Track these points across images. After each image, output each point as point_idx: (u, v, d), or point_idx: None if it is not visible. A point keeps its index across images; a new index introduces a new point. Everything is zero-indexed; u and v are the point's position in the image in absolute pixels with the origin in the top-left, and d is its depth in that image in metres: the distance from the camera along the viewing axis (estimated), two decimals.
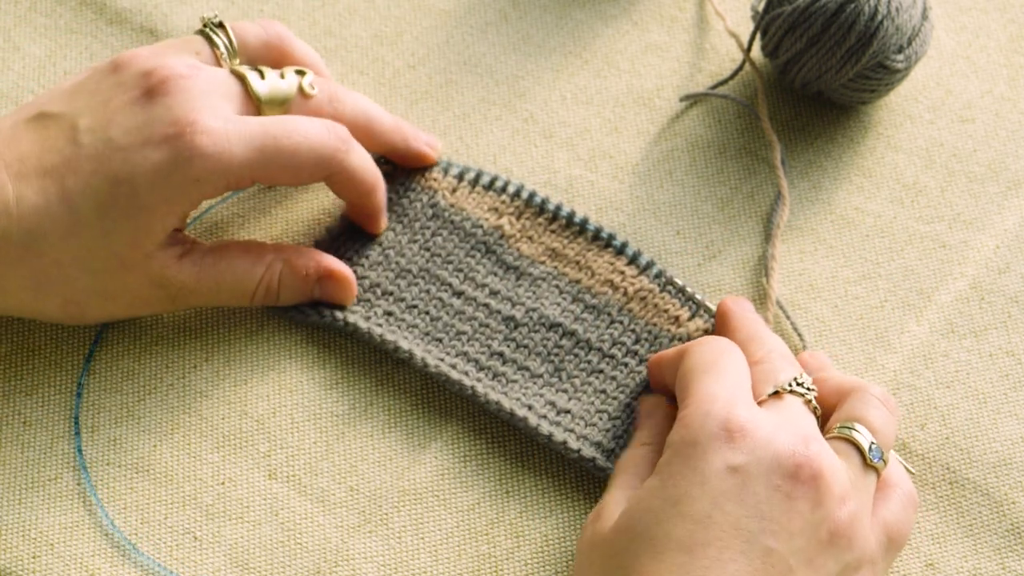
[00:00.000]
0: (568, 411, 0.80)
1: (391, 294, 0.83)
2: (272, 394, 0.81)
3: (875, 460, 0.73)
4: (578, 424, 0.80)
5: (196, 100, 0.77)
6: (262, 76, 0.80)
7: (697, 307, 0.82)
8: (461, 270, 0.84)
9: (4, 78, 0.90)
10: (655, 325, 0.82)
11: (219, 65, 0.81)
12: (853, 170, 0.88)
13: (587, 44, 0.93)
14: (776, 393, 0.74)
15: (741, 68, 0.90)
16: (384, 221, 0.84)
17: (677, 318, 0.82)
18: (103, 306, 0.79)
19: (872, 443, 0.73)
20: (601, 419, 0.80)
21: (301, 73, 0.82)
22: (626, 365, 0.81)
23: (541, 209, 0.85)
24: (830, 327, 0.83)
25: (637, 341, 0.82)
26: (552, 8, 0.94)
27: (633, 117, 0.90)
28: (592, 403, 0.80)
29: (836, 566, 0.70)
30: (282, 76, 0.81)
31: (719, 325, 0.80)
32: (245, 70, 0.80)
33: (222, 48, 0.81)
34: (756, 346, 0.77)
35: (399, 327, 0.82)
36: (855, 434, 0.73)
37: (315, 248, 0.83)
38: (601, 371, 0.81)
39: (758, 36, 0.89)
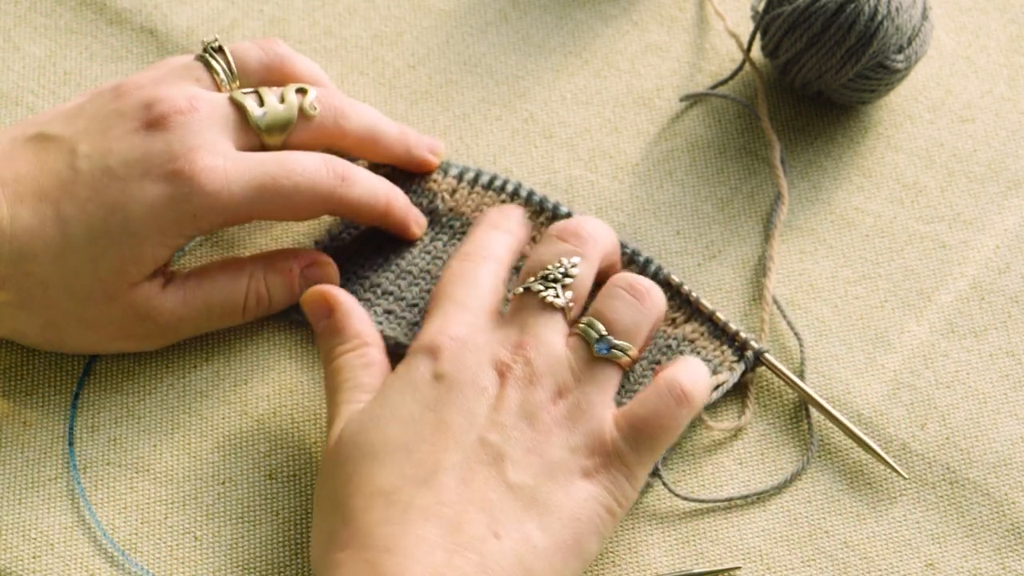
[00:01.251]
0: None
1: (391, 294, 0.83)
2: (272, 394, 0.81)
3: (601, 352, 0.75)
4: None
5: (195, 136, 0.77)
6: (261, 102, 0.80)
7: (693, 308, 0.82)
8: None
9: (4, 78, 0.90)
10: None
11: (219, 91, 0.81)
12: (853, 170, 0.88)
13: (587, 44, 0.92)
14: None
15: (741, 68, 0.90)
16: (415, 227, 0.83)
17: (674, 319, 0.82)
18: (83, 334, 0.79)
19: (602, 335, 0.75)
20: None
21: (303, 92, 0.81)
22: None
23: (540, 208, 0.85)
24: (830, 327, 0.83)
25: None
26: (552, 8, 0.94)
27: (633, 117, 0.90)
28: None
29: (561, 452, 0.72)
30: (282, 99, 0.80)
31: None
32: (244, 97, 0.79)
33: (221, 74, 0.81)
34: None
35: (399, 324, 0.82)
36: (588, 329, 0.75)
37: (315, 249, 0.84)
38: None
39: (758, 36, 0.89)
